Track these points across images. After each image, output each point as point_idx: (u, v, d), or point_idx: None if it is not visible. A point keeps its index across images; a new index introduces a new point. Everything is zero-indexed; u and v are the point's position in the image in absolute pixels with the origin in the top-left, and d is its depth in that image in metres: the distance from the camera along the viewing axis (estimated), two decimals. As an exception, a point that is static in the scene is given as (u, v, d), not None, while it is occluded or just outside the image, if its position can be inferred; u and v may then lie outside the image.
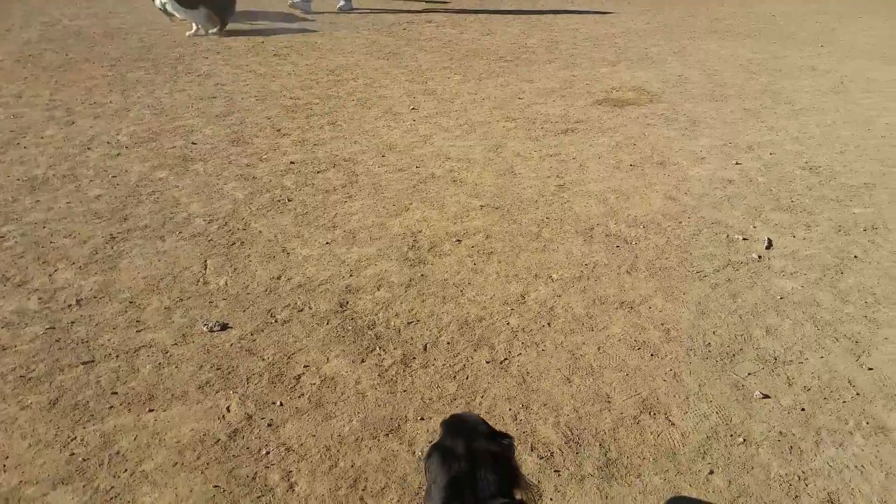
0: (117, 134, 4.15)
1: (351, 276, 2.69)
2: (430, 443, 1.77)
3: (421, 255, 2.85)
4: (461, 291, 2.59)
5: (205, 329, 2.31)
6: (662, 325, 2.43)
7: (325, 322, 2.39)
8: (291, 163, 3.79)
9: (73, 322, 2.33)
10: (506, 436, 1.40)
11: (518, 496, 1.32)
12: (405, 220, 3.17)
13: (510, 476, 1.33)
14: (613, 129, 4.40)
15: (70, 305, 2.43)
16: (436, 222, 3.14)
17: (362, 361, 2.20)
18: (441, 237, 3.00)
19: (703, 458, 1.86)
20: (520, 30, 7.92)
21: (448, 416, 1.47)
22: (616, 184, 3.57)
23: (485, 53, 6.63)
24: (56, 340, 2.24)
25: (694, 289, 2.65)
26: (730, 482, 1.78)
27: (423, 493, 1.39)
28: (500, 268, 2.76)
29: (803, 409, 2.04)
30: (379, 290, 2.59)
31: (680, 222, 3.18)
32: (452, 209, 3.28)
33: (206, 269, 2.70)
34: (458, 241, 2.97)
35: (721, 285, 2.68)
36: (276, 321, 2.39)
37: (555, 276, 2.71)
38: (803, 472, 1.82)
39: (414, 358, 2.22)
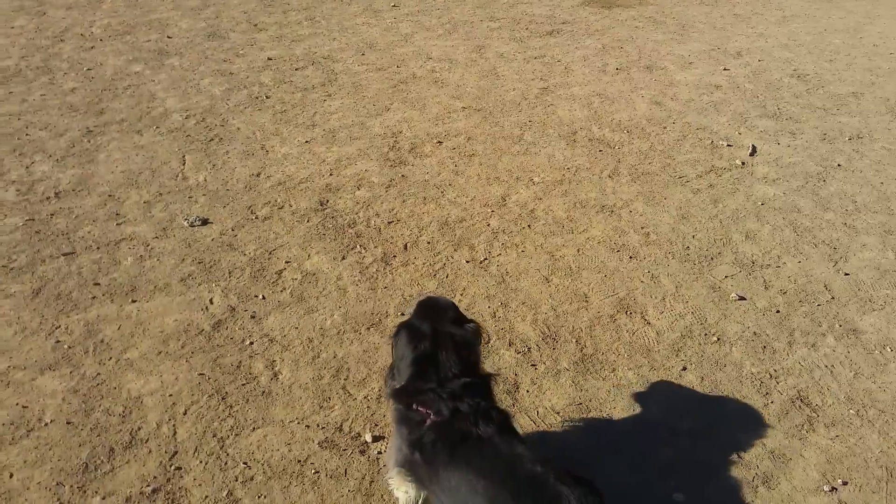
0: (91, 26, 3.97)
1: (331, 175, 2.67)
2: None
3: (402, 155, 2.83)
4: (442, 192, 2.59)
5: (185, 224, 2.31)
6: (642, 228, 2.46)
7: (306, 220, 2.39)
8: (269, 59, 3.68)
9: (52, 214, 2.32)
10: (471, 321, 1.45)
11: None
12: (386, 120, 3.12)
13: (473, 360, 1.38)
14: (601, 32, 4.29)
15: (49, 198, 2.40)
16: (417, 123, 3.10)
17: (343, 258, 2.22)
18: (422, 138, 2.97)
19: (677, 355, 1.93)
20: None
21: (423, 296, 1.51)
22: (601, 88, 3.52)
23: (472, -50, 6.34)
24: (36, 232, 2.23)
25: (676, 193, 2.67)
26: (702, 378, 1.86)
27: (388, 369, 1.44)
28: (481, 170, 2.75)
29: (778, 311, 2.10)
30: (359, 189, 2.59)
31: (664, 128, 3.17)
32: (434, 110, 3.23)
33: (184, 164, 2.67)
34: (439, 142, 2.94)
35: (703, 190, 2.70)
36: (256, 217, 2.39)
37: (536, 179, 2.71)
38: (775, 371, 1.90)
39: (394, 256, 2.25)
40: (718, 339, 1.99)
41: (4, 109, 2.99)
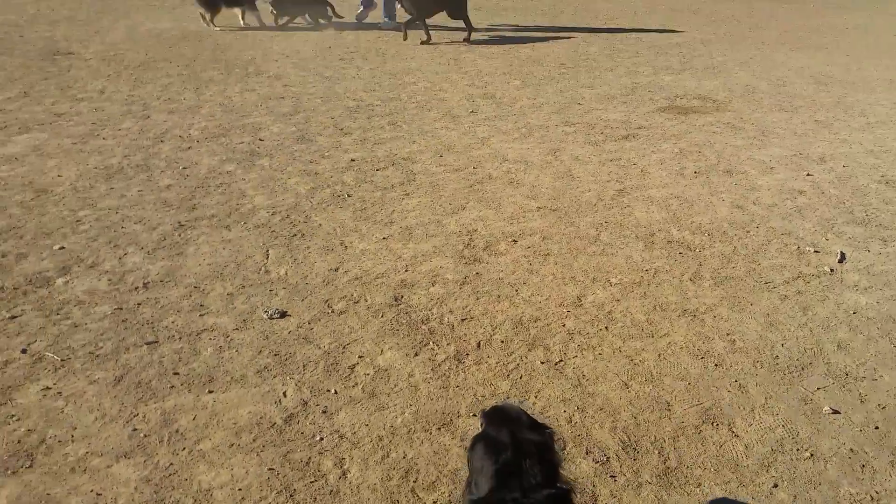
0: (189, 128, 4.29)
1: (406, 271, 2.70)
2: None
3: (476, 253, 2.85)
4: (516, 291, 2.57)
5: (265, 316, 2.35)
6: (727, 335, 2.35)
7: (380, 315, 2.40)
8: (352, 160, 3.85)
9: (139, 304, 2.41)
10: (547, 427, 1.38)
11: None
12: (461, 218, 3.17)
13: (553, 467, 1.30)
14: (677, 136, 4.31)
15: (137, 288, 2.51)
16: (492, 222, 3.13)
17: (416, 355, 2.20)
18: (497, 237, 2.99)
19: (767, 470, 1.79)
20: (581, 38, 7.86)
21: (489, 407, 1.46)
22: (679, 190, 3.49)
23: (545, 60, 6.60)
24: (123, 321, 2.32)
25: (762, 300, 2.56)
26: (795, 496, 1.71)
27: (465, 484, 1.37)
28: (556, 269, 2.73)
29: (877, 428, 1.94)
30: (434, 285, 2.60)
31: (748, 231, 3.09)
32: (509, 210, 3.26)
33: (267, 258, 2.76)
34: (513, 241, 2.95)
35: (791, 297, 2.58)
36: (332, 311, 2.41)
37: (613, 280, 2.66)
38: (876, 493, 1.72)
39: (467, 354, 2.21)
40: (812, 455, 1.83)
41: (105, 204, 3.20)
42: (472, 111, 4.81)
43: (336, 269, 2.69)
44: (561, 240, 2.96)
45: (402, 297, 2.52)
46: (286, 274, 2.65)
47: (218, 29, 7.70)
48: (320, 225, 3.07)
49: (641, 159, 3.91)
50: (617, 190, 3.48)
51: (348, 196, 3.38)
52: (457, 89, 5.40)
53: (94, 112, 4.59)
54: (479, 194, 3.42)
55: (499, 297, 2.52)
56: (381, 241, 2.94)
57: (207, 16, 7.69)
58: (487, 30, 8.27)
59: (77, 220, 3.02)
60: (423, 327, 2.34)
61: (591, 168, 3.78)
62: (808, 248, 2.94)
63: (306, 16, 8.12)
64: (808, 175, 3.73)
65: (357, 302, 2.48)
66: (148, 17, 8.74)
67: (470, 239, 2.96)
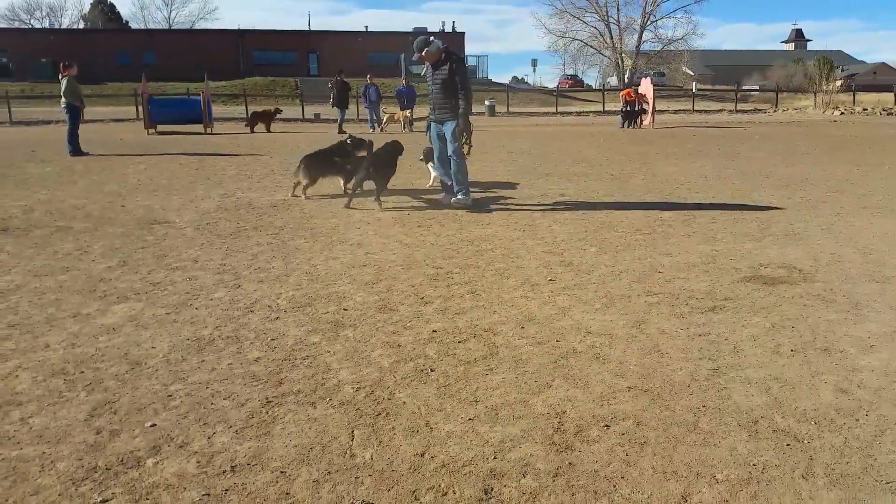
0: (277, 298, 4.46)
1: (495, 458, 2.59)
2: None
3: (567, 439, 2.72)
4: (614, 487, 2.41)
5: (351, 508, 2.27)
6: (854, 546, 2.10)
7: (471, 510, 2.28)
8: (434, 331, 3.87)
9: (227, 490, 2.37)
10: None
11: None
12: (548, 398, 3.07)
13: None
14: (767, 309, 4.17)
15: (225, 472, 2.49)
16: (581, 403, 3.02)
17: (511, 560, 2.04)
18: (587, 420, 2.87)
19: None
20: (654, 202, 7.99)
21: None
22: (777, 371, 3.32)
23: (619, 226, 6.69)
24: (211, 509, 2.27)
25: (886, 503, 2.31)
26: None
27: None
28: (655, 461, 2.56)
29: None
30: (525, 477, 2.47)
31: (857, 420, 2.86)
32: (597, 389, 3.15)
33: (353, 440, 2.71)
34: (606, 426, 2.82)
35: (919, 501, 2.32)
36: (420, 505, 2.31)
37: (719, 476, 2.47)
38: None
39: (566, 561, 2.04)
40: None
41: (196, 378, 3.27)
42: (550, 279, 4.84)
43: (422, 455, 2.61)
44: (657, 426, 2.81)
45: (493, 489, 2.39)
46: (371, 459, 2.58)
47: (305, 198, 8.22)
48: (404, 403, 3.03)
49: (732, 334, 3.78)
50: (710, 369, 3.34)
51: (431, 370, 3.36)
52: (533, 256, 5.48)
53: (187, 281, 4.85)
54: (565, 371, 3.34)
55: (596, 493, 2.37)
56: (466, 422, 2.86)
57: (304, 182, 8.21)
58: (561, 195, 8.55)
59: (168, 395, 3.09)
60: (517, 527, 2.20)
61: (680, 343, 3.67)
62: (931, 441, 2.68)
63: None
64: (915, 353, 3.50)
65: (445, 494, 2.36)
66: (239, 186, 9.47)
67: (559, 422, 2.85)
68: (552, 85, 60.01)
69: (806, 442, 2.69)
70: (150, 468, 2.51)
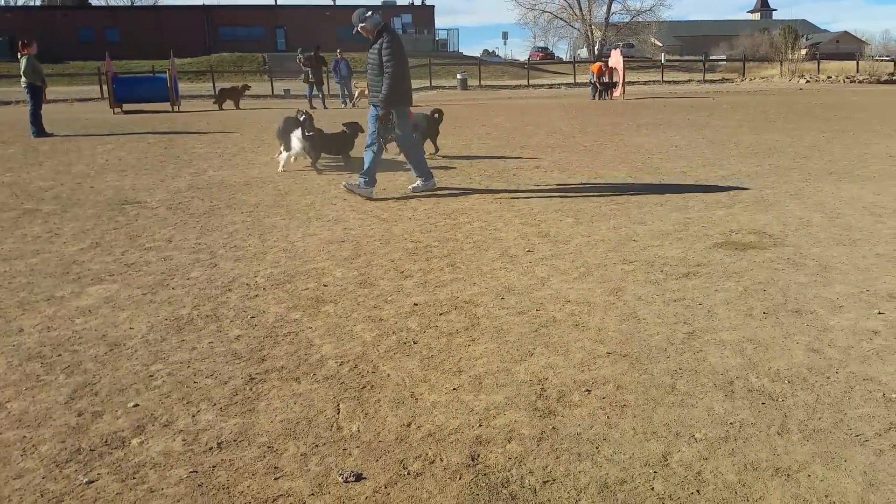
0: (255, 276, 4.43)
1: (480, 425, 2.63)
2: None
3: (550, 404, 2.77)
4: (597, 448, 2.47)
5: (340, 479, 2.29)
6: (826, 496, 2.19)
7: (458, 476, 2.32)
8: (415, 304, 3.88)
9: (214, 466, 2.38)
10: None
11: None
12: (530, 365, 3.12)
13: None
14: (739, 274, 4.26)
15: (211, 448, 2.49)
16: (562, 369, 3.07)
17: (499, 523, 2.09)
18: (569, 386, 2.92)
19: None
20: (626, 173, 8.06)
21: None
22: (751, 333, 3.40)
23: (594, 196, 6.75)
24: (199, 485, 2.28)
25: (856, 455, 2.40)
26: None
27: None
28: (636, 423, 2.62)
29: None
30: (510, 442, 2.52)
31: (828, 378, 2.96)
32: (578, 356, 3.21)
33: (339, 413, 2.73)
34: (587, 391, 2.88)
35: (887, 451, 2.42)
36: (408, 473, 2.34)
37: (698, 435, 2.54)
38: None
39: (553, 522, 2.09)
40: None
41: (177, 357, 3.26)
42: (528, 250, 4.88)
43: (408, 425, 2.64)
44: (636, 389, 2.87)
45: (479, 455, 2.44)
46: (358, 430, 2.61)
47: (282, 171, 8.14)
48: (389, 375, 3.05)
49: (706, 299, 3.86)
50: (686, 333, 3.42)
51: (414, 343, 3.38)
52: (511, 228, 5.51)
53: (163, 261, 4.79)
54: (546, 339, 3.39)
55: (580, 455, 2.42)
56: (451, 392, 2.89)
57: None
58: (537, 167, 8.57)
59: (150, 376, 3.07)
60: (504, 491, 2.24)
61: (656, 309, 3.74)
62: (893, 395, 2.79)
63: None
64: (879, 313, 3.61)
65: (433, 462, 2.40)
66: (210, 165, 9.32)
67: (542, 388, 2.90)
68: (523, 58, 59.81)
69: (780, 400, 2.78)
70: (136, 448, 2.50)
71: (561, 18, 55.51)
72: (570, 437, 2.55)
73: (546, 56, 58.76)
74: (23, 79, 13.64)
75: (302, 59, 21.45)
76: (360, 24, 6.52)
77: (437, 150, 9.66)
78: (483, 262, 4.65)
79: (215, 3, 55.33)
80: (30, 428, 2.65)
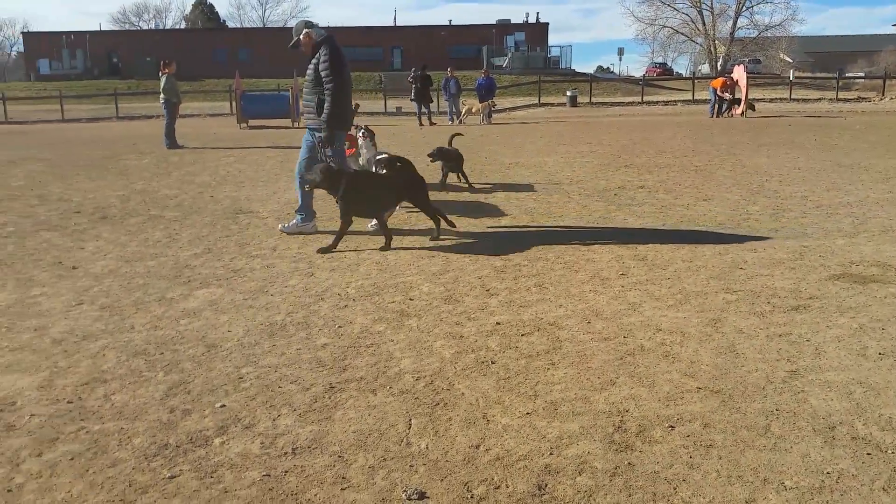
0: (347, 286, 4.55)
1: (551, 454, 2.55)
2: None
3: (628, 438, 2.65)
4: (674, 489, 2.32)
5: (403, 496, 2.29)
6: (937, 567, 1.94)
7: (523, 504, 2.26)
8: (497, 323, 3.84)
9: (286, 471, 2.45)
10: None
11: None
12: (611, 395, 2.99)
13: None
14: (855, 310, 3.91)
15: (286, 453, 2.57)
16: (645, 402, 2.93)
17: (560, 557, 2.01)
18: (651, 420, 2.78)
19: None
20: (740, 196, 7.64)
21: None
22: (862, 375, 3.10)
23: (700, 219, 6.44)
24: (269, 489, 2.35)
25: (979, 523, 2.12)
26: None
27: None
28: (720, 465, 2.45)
29: None
30: (581, 474, 2.42)
31: (951, 431, 2.64)
32: (664, 388, 3.04)
33: (410, 428, 2.74)
34: (670, 427, 2.72)
35: None
36: (472, 497, 2.30)
37: (788, 483, 2.33)
38: None
39: (618, 562, 1.98)
40: None
41: (266, 361, 3.39)
42: (621, 273, 4.72)
43: (477, 447, 2.60)
44: (725, 429, 2.69)
45: (547, 485, 2.36)
46: (427, 447, 2.60)
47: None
48: (463, 394, 3.03)
49: (815, 335, 3.56)
50: (788, 371, 3.17)
51: (492, 363, 3.34)
52: (605, 249, 5.35)
53: (265, 269, 5.03)
54: (631, 368, 3.25)
55: (654, 495, 2.29)
56: (524, 416, 2.83)
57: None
58: (640, 187, 8.31)
59: (239, 378, 3.21)
60: (569, 524, 2.16)
61: (758, 343, 3.49)
62: None
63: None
64: None
65: (498, 488, 2.35)
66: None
67: (621, 421, 2.77)
68: (639, 74, 58.33)
69: (889, 452, 2.51)
70: (217, 447, 2.62)
71: (682, 34, 53.60)
72: (647, 474, 2.41)
73: (664, 72, 57.05)
74: (161, 95, 14.90)
75: (411, 78, 22.05)
76: (299, 36, 5.73)
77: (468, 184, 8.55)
78: (572, 283, 4.54)
79: (339, 24, 57.97)
80: (127, 420, 2.84)
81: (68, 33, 54.82)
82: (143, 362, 3.42)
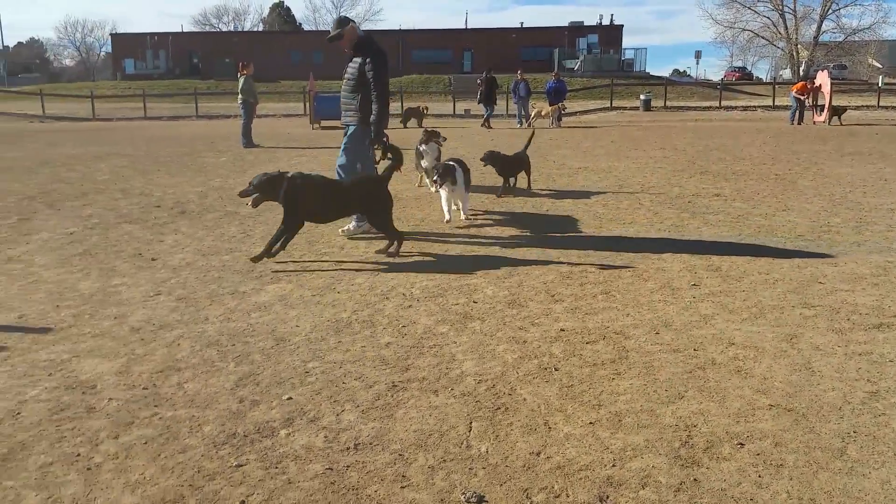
0: (412, 286, 4.60)
1: (613, 465, 2.50)
2: None
3: (695, 454, 2.57)
4: (742, 508, 2.24)
5: (462, 498, 2.29)
6: None
7: (583, 514, 2.22)
8: (562, 330, 3.80)
9: (348, 466, 2.49)
10: None
11: None
12: (678, 409, 2.91)
13: None
14: (946, 331, 3.68)
15: (349, 448, 2.61)
16: (714, 417, 2.83)
17: (620, 571, 1.97)
18: (720, 436, 2.69)
19: None
20: (821, 207, 7.31)
21: None
22: (953, 401, 2.92)
23: (779, 230, 6.19)
24: (331, 483, 2.39)
25: None
26: None
27: None
28: (791, 486, 2.35)
29: None
30: (644, 488, 2.36)
31: None
32: (735, 404, 2.94)
33: (470, 431, 2.74)
34: (740, 444, 2.63)
35: None
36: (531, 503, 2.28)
37: (867, 511, 2.22)
38: None
39: (681, 581, 1.93)
40: None
41: (332, 357, 3.46)
42: (693, 284, 4.58)
43: (538, 454, 2.58)
44: (798, 449, 2.57)
45: (608, 497, 2.32)
46: (487, 451, 2.59)
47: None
48: (525, 399, 3.01)
49: (899, 356, 3.37)
50: (868, 392, 3.01)
51: (555, 370, 3.30)
52: (677, 258, 5.22)
53: (333, 265, 5.13)
54: (701, 382, 3.15)
55: (720, 513, 2.22)
56: (587, 425, 2.79)
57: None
58: (716, 195, 8.06)
59: (306, 372, 3.29)
60: (630, 538, 2.11)
61: (836, 361, 3.33)
62: None
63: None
64: None
65: (558, 496, 2.32)
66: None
67: (688, 436, 2.69)
68: (717, 78, 56.60)
69: (982, 485, 2.35)
70: (283, 439, 2.69)
71: (762, 37, 51.63)
72: (713, 491, 2.34)
73: (743, 76, 55.17)
74: (239, 96, 15.44)
75: (479, 81, 22.10)
76: (343, 28, 5.73)
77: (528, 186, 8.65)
78: (641, 292, 4.44)
79: (411, 27, 58.63)
80: (199, 408, 2.95)
81: (152, 34, 57.43)
82: (215, 353, 3.54)
